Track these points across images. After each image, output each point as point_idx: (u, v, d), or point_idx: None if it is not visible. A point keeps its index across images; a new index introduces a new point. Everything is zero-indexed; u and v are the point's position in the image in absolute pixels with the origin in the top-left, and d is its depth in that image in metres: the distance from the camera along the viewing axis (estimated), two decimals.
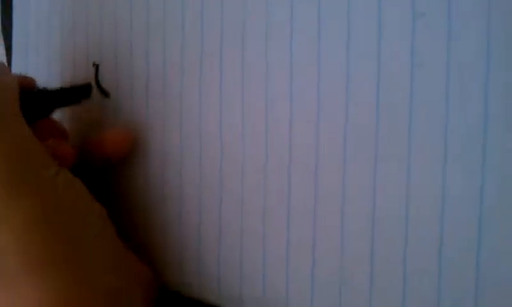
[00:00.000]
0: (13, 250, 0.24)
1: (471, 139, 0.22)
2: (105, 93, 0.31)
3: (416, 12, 0.23)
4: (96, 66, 0.31)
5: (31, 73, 0.34)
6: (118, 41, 0.31)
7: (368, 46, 0.24)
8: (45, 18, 0.35)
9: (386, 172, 0.24)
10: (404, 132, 0.23)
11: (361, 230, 0.24)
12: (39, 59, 0.35)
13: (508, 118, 0.21)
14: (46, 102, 0.29)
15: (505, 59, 0.21)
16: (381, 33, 0.23)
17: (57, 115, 0.31)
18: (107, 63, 0.31)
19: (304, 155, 0.25)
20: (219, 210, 0.28)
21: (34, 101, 0.28)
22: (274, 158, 0.26)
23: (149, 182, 0.30)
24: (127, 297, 0.26)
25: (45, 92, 0.30)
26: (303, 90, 0.25)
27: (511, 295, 0.21)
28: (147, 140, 0.30)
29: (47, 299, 0.24)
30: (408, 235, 0.23)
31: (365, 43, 0.24)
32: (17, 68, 0.37)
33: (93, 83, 0.31)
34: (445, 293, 0.22)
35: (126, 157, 0.31)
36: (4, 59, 0.38)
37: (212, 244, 0.28)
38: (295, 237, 0.26)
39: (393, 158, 0.23)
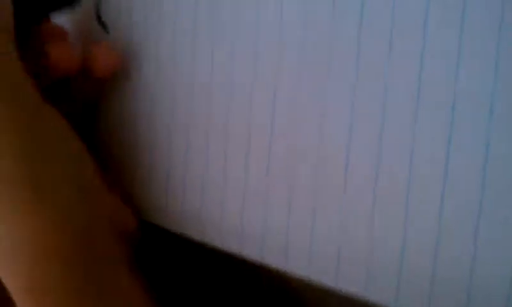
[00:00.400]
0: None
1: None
2: (105, 28, 0.31)
3: None
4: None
5: None
6: None
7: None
8: None
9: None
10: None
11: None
12: None
13: None
14: (40, 5, 0.29)
15: None
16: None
17: None
18: None
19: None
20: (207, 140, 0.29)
21: (29, 4, 0.28)
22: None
23: (137, 112, 0.31)
24: (102, 234, 0.27)
25: None
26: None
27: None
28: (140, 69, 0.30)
29: (23, 225, 0.25)
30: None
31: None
32: None
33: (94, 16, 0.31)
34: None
35: (115, 78, 0.31)
36: None
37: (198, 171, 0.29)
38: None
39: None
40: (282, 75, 0.26)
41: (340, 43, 0.25)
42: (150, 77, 0.30)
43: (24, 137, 0.25)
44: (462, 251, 0.23)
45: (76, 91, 0.30)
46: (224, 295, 0.30)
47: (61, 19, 0.31)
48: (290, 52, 0.26)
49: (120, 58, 0.30)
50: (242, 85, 0.27)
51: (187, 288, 0.31)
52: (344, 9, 0.25)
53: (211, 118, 0.28)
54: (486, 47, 0.22)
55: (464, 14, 0.22)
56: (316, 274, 0.26)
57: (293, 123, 0.26)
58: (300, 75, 0.26)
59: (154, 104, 0.30)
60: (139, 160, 0.31)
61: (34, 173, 0.25)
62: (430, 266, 0.24)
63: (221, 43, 0.28)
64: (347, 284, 0.26)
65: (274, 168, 0.27)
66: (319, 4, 0.25)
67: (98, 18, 0.31)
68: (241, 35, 0.27)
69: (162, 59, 0.30)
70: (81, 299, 0.25)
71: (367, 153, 0.25)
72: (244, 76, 0.27)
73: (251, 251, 0.28)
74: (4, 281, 0.25)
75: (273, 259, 0.27)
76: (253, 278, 0.29)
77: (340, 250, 0.26)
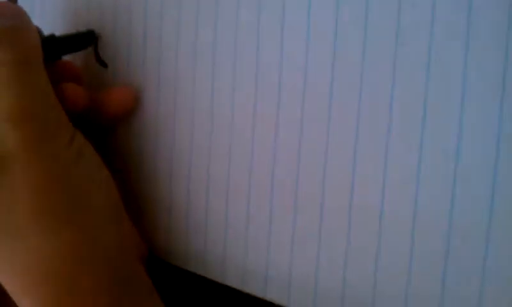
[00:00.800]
0: (24, 207, 0.25)
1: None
2: (103, 64, 0.32)
3: None
4: (96, 39, 0.32)
5: None
6: (117, 9, 0.32)
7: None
8: None
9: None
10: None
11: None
12: (42, 20, 0.36)
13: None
14: (55, 47, 0.30)
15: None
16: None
17: None
18: (107, 33, 0.32)
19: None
20: (208, 168, 0.29)
21: (45, 46, 0.28)
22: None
23: (142, 149, 0.31)
24: (125, 254, 0.27)
25: (53, 37, 0.30)
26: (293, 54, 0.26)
27: None
28: (142, 105, 0.31)
29: (53, 251, 0.25)
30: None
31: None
32: None
33: (93, 54, 0.32)
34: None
35: (126, 118, 0.31)
36: None
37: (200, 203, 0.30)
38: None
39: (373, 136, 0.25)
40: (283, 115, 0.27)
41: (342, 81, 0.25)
42: (151, 115, 0.31)
43: (61, 168, 0.26)
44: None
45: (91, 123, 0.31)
46: None
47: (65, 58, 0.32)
48: (290, 96, 0.27)
49: (135, 96, 0.31)
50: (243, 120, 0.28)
51: None
52: (344, 52, 0.25)
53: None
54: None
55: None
56: None
57: (294, 170, 0.27)
58: (301, 118, 0.26)
59: (158, 140, 0.31)
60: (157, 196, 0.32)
61: (68, 202, 0.26)
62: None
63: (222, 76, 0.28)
64: None
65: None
66: (320, 47, 0.26)
67: (97, 55, 0.32)
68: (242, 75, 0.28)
69: (164, 94, 0.30)
70: None
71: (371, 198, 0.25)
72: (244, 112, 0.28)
73: (276, 294, 0.28)
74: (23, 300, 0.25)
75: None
76: None
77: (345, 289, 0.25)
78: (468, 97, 0.23)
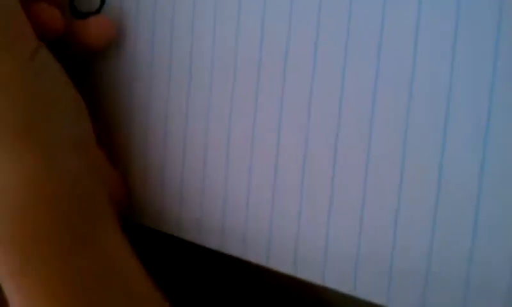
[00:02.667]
0: None
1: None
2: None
3: None
4: None
5: None
6: None
7: None
8: None
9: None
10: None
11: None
12: None
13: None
14: None
15: None
16: None
17: None
18: None
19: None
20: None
21: None
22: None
23: (134, 85, 0.30)
24: (92, 189, 0.26)
25: None
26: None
27: None
28: (134, 38, 0.30)
29: (16, 172, 0.24)
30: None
31: None
32: None
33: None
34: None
35: (110, 50, 0.30)
36: None
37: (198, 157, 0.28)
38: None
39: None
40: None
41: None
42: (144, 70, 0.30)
43: (19, 81, 0.25)
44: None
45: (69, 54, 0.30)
46: (226, 297, 0.29)
47: None
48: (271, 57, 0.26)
49: (115, 28, 0.30)
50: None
51: (188, 291, 0.30)
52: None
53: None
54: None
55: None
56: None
57: (275, 125, 0.26)
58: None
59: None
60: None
61: (27, 118, 0.25)
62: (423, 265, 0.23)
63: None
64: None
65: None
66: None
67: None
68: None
69: (158, 35, 0.29)
70: (67, 250, 0.24)
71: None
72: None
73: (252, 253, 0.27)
74: None
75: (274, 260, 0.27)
76: (256, 280, 0.28)
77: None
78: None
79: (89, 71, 0.31)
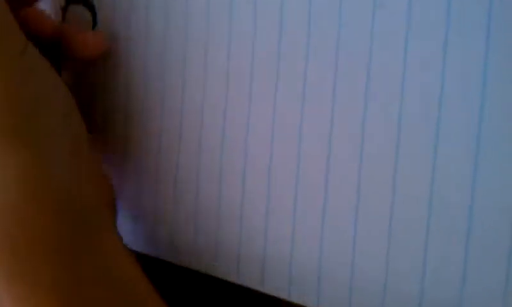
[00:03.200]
0: None
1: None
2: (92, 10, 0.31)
3: None
4: None
5: None
6: None
7: None
8: None
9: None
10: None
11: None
12: None
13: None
14: None
15: None
16: None
17: None
18: None
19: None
20: (200, 132, 0.28)
21: None
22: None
23: (130, 94, 0.30)
24: (85, 189, 0.26)
25: None
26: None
27: None
28: (129, 51, 0.30)
29: (5, 172, 0.23)
30: None
31: None
32: None
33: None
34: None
35: (105, 59, 0.30)
36: None
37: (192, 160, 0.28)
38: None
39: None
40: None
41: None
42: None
43: (6, 79, 0.24)
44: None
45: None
46: None
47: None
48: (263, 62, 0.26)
49: (105, 41, 0.30)
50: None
51: None
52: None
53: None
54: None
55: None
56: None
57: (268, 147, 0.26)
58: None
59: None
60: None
61: (15, 117, 0.24)
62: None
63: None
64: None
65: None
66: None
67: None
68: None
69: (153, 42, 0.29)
70: (62, 250, 0.24)
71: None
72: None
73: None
74: None
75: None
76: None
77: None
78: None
79: (84, 73, 0.31)
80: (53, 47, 0.29)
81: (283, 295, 0.26)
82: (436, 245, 0.22)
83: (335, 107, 0.24)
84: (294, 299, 0.25)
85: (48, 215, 0.24)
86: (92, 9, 0.31)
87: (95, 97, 0.31)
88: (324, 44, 0.24)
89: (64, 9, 0.31)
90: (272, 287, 0.26)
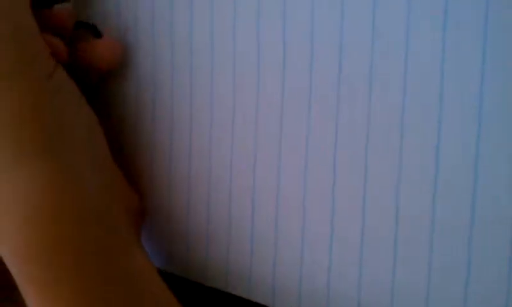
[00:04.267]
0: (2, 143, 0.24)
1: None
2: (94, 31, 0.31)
3: None
4: None
5: None
6: None
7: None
8: None
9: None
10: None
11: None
12: None
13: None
14: None
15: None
16: None
17: None
18: None
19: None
20: (210, 134, 0.28)
21: None
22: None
23: (139, 103, 0.30)
24: (111, 204, 0.26)
25: None
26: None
27: None
28: (137, 58, 0.30)
29: (34, 188, 0.24)
30: None
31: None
32: None
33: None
34: None
35: (115, 71, 0.30)
36: None
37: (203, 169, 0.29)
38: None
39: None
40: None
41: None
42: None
43: (37, 99, 0.25)
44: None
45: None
46: None
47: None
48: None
49: (123, 50, 0.30)
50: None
51: None
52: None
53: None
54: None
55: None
56: None
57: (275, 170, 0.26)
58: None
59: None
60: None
61: (44, 135, 0.25)
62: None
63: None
64: None
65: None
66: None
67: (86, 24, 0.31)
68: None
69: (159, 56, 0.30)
70: (86, 259, 0.24)
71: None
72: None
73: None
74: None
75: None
76: None
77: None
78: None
79: (99, 92, 0.32)
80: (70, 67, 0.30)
81: None
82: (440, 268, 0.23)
83: (338, 122, 0.25)
84: None
85: (71, 225, 0.24)
86: (96, 33, 0.31)
87: (114, 115, 0.31)
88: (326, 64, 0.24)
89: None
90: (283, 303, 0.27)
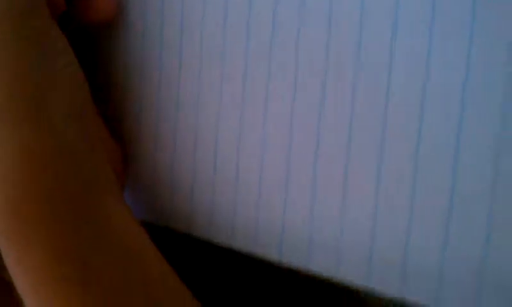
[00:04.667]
0: None
1: None
2: None
3: None
4: None
5: None
6: None
7: None
8: None
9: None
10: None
11: None
12: None
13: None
14: None
15: None
16: None
17: None
18: None
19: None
20: (198, 86, 0.28)
21: None
22: None
23: (128, 55, 0.30)
24: (91, 157, 0.26)
25: None
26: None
27: None
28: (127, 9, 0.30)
29: (12, 138, 0.24)
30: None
31: None
32: None
33: None
34: None
35: (107, 25, 0.30)
36: None
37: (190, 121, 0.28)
38: None
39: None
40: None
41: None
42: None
43: (27, 63, 0.25)
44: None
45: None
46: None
47: None
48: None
49: (116, 4, 0.30)
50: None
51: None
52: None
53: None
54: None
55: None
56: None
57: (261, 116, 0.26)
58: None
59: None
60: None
61: (26, 89, 0.25)
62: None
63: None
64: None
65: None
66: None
67: None
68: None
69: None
70: (66, 213, 0.24)
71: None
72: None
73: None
74: None
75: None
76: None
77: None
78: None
79: (94, 46, 0.31)
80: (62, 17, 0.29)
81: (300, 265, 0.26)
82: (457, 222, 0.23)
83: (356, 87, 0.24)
84: (313, 268, 0.26)
85: (53, 178, 0.25)
86: None
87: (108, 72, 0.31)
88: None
89: None
90: (291, 257, 0.26)
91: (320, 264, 0.25)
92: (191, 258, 0.30)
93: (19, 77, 0.25)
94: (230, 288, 0.29)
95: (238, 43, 0.26)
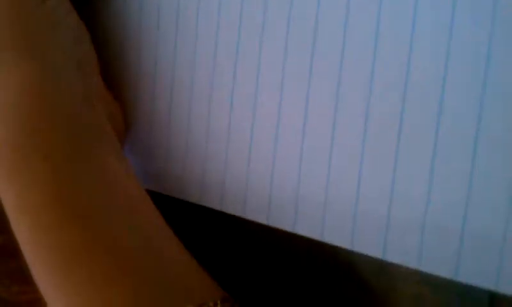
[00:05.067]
0: None
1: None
2: None
3: None
4: None
5: None
6: None
7: None
8: None
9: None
10: None
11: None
12: None
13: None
14: None
15: None
16: None
17: None
18: None
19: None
20: (195, 45, 0.28)
21: None
22: None
23: (126, 15, 0.30)
24: (91, 106, 0.26)
25: None
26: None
27: None
28: None
29: (14, 76, 0.25)
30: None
31: None
32: None
33: None
34: None
35: None
36: None
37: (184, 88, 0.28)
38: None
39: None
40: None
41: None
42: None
43: (26, 4, 0.26)
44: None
45: None
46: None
47: None
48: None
49: None
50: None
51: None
52: None
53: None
54: None
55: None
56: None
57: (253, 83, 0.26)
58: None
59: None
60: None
61: (29, 34, 0.25)
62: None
63: None
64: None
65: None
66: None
67: None
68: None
69: None
70: (65, 152, 0.25)
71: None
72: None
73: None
74: None
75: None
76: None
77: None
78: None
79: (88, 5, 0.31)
80: None
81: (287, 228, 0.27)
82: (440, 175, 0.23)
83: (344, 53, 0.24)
84: (299, 231, 0.26)
85: (48, 117, 0.25)
86: None
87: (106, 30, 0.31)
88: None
89: None
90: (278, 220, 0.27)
91: (306, 227, 0.26)
92: (185, 222, 0.30)
93: (21, 17, 0.25)
94: (222, 250, 0.30)
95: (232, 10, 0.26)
